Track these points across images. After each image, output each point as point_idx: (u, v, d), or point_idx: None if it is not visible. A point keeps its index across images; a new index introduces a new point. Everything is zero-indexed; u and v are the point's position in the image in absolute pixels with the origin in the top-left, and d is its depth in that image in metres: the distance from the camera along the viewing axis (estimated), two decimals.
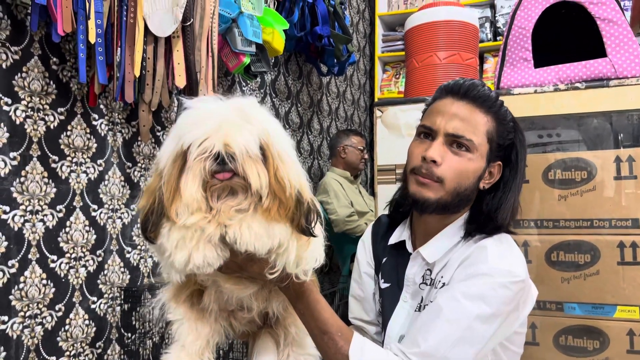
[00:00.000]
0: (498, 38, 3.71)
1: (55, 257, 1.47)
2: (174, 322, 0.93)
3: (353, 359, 0.90)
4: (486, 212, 1.05)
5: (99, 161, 1.61)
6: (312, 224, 0.82)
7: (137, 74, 1.51)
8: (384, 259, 1.18)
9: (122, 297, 1.66)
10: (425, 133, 1.06)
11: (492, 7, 3.76)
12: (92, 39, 1.39)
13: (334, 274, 3.18)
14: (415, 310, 1.07)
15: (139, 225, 0.83)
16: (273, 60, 2.59)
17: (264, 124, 0.81)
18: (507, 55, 1.69)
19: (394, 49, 4.03)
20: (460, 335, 0.91)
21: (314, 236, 0.83)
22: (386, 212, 1.26)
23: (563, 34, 1.70)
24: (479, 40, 2.28)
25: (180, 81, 1.69)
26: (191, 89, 1.77)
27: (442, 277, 1.03)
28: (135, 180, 1.74)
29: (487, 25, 3.73)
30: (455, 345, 0.90)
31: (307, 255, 0.84)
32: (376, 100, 4.00)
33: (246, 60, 2.00)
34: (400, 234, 1.17)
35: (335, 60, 2.84)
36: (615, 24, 1.51)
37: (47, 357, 1.44)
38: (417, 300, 1.08)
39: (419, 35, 2.15)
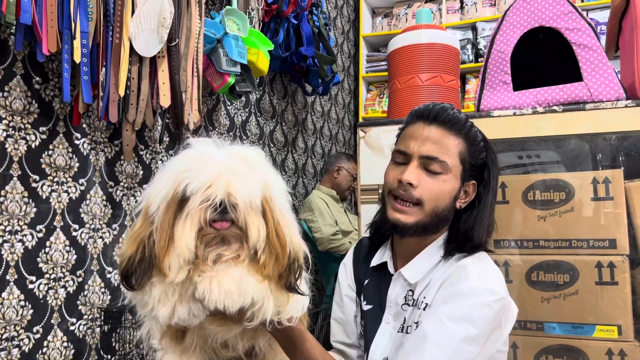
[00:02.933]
0: (479, 59, 3.78)
1: (34, 278, 1.45)
2: (158, 350, 0.91)
3: None
4: (463, 230, 1.07)
5: (80, 180, 1.60)
6: (299, 282, 0.81)
7: (122, 93, 1.51)
8: (366, 281, 1.19)
9: (102, 318, 1.63)
10: (400, 158, 1.08)
11: (474, 29, 3.84)
12: (77, 58, 1.39)
13: (318, 293, 3.17)
14: (398, 332, 1.07)
15: (120, 269, 0.78)
16: (258, 80, 2.61)
17: (267, 176, 0.79)
18: (487, 78, 1.73)
19: (378, 69, 4.09)
20: (448, 358, 0.91)
21: (301, 294, 0.82)
22: (367, 234, 1.27)
23: (541, 58, 1.75)
24: (460, 62, 2.33)
25: (165, 101, 1.70)
26: (176, 109, 1.78)
27: (424, 297, 1.04)
28: (117, 200, 1.73)
29: (469, 46, 3.80)
30: None
31: (289, 307, 0.82)
32: (360, 119, 4.03)
33: (231, 80, 2.01)
34: (381, 256, 1.18)
35: (320, 80, 2.86)
36: (590, 49, 1.56)
37: None
38: (399, 322, 1.08)
39: (401, 57, 2.19)
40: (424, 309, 1.02)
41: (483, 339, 0.95)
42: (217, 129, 2.28)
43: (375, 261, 1.19)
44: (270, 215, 0.78)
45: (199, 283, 0.74)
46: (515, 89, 1.67)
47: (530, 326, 1.58)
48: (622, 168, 1.53)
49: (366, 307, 1.16)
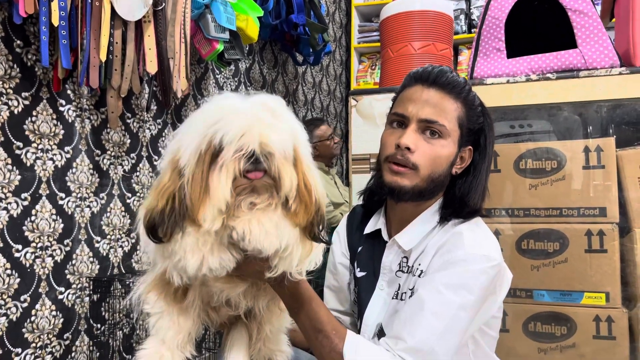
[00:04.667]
0: (472, 30, 3.73)
1: (20, 247, 1.42)
2: (152, 315, 0.88)
3: (347, 357, 0.89)
4: (459, 196, 1.06)
5: (66, 148, 1.56)
6: (322, 231, 0.81)
7: (103, 58, 1.47)
8: (360, 248, 1.18)
9: (91, 287, 1.62)
10: (398, 121, 1.06)
11: None
12: (55, 21, 1.34)
13: None
14: (393, 298, 1.07)
15: (142, 223, 0.77)
16: (247, 48, 2.56)
17: (292, 125, 0.79)
18: (480, 45, 1.70)
19: (370, 40, 4.03)
20: (445, 327, 0.91)
21: (325, 242, 0.82)
22: (361, 202, 1.26)
23: (536, 25, 1.72)
24: (453, 32, 2.29)
25: (152, 67, 1.66)
26: (163, 75, 1.73)
27: (419, 264, 1.03)
28: (105, 169, 1.70)
29: (462, 17, 3.75)
30: (441, 336, 0.91)
31: (308, 259, 0.82)
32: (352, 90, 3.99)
33: (219, 47, 1.97)
34: (375, 223, 1.17)
35: (311, 50, 2.81)
36: (586, 15, 1.53)
37: (12, 348, 1.40)
38: (393, 288, 1.08)
39: (394, 25, 2.15)
40: (419, 276, 1.01)
41: (479, 305, 0.95)
42: (205, 98, 2.24)
43: (369, 228, 1.18)
44: (299, 165, 0.78)
45: (237, 225, 0.73)
46: (509, 56, 1.64)
47: (520, 294, 1.59)
48: (614, 136, 1.53)
49: (360, 274, 1.16)
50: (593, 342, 1.50)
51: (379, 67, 4.07)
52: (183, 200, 0.74)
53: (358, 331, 1.13)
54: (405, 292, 1.04)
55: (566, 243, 1.54)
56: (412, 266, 1.05)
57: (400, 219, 1.10)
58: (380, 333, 1.07)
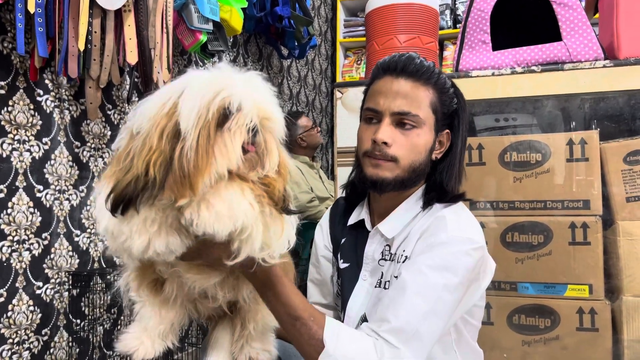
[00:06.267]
0: (458, 25, 3.74)
1: None
2: (137, 302, 0.87)
3: (329, 344, 0.86)
4: (439, 181, 1.05)
5: (44, 139, 1.52)
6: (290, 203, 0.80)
7: (82, 47, 1.43)
8: (343, 240, 1.17)
9: (71, 282, 1.59)
10: (372, 116, 1.05)
11: None
12: (32, 8, 1.31)
13: (293, 257, 3.16)
14: (375, 287, 1.06)
15: (106, 195, 0.70)
16: (232, 40, 2.53)
17: (274, 102, 0.78)
18: (466, 37, 1.70)
19: (356, 35, 4.01)
20: (429, 308, 0.90)
21: (295, 213, 0.80)
22: (343, 194, 1.25)
23: (521, 17, 1.72)
24: (439, 26, 2.28)
25: (132, 57, 1.62)
26: (144, 66, 1.70)
27: (403, 250, 1.02)
28: (84, 161, 1.66)
29: (447, 12, 3.75)
30: (425, 317, 0.89)
31: (280, 240, 0.78)
32: None
33: (203, 38, 1.94)
34: (358, 214, 1.16)
35: (296, 43, 2.79)
36: (570, 8, 1.53)
37: None
38: (376, 277, 1.07)
39: (379, 17, 2.14)
40: (404, 262, 1.00)
41: (463, 287, 0.95)
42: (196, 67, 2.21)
43: (352, 220, 1.17)
44: (278, 140, 0.78)
45: (185, 208, 0.69)
46: (495, 48, 1.64)
47: (504, 286, 1.60)
48: (598, 129, 1.53)
49: (343, 266, 1.15)
50: (576, 334, 1.51)
51: (365, 62, 4.05)
52: (176, 166, 0.68)
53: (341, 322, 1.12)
54: (388, 280, 1.03)
55: (550, 236, 1.54)
56: (396, 253, 1.04)
57: (384, 209, 1.09)
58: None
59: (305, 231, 2.92)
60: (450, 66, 3.67)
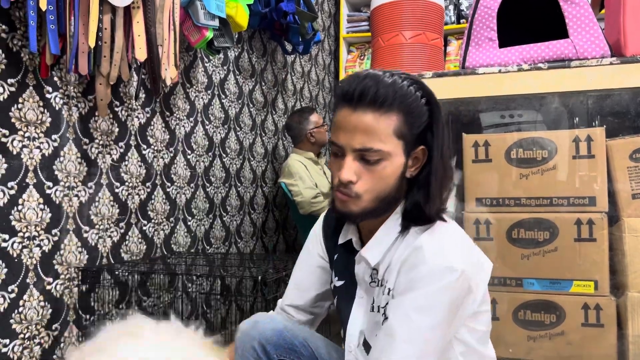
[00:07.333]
0: (462, 21, 3.74)
1: (7, 236, 1.40)
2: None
3: None
4: (414, 202, 0.99)
5: (53, 136, 1.53)
6: None
7: (92, 44, 1.44)
8: (336, 256, 1.16)
9: (80, 277, 1.60)
10: (337, 150, 0.99)
11: None
12: (43, 6, 1.31)
13: (296, 253, 3.18)
14: (370, 311, 1.05)
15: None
16: (237, 36, 2.53)
17: None
18: (472, 34, 1.70)
19: (359, 30, 4.01)
20: (420, 351, 0.90)
21: None
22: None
23: (528, 14, 1.72)
24: (444, 21, 2.28)
25: (141, 54, 1.63)
26: (152, 63, 1.71)
27: (387, 281, 1.01)
28: (93, 157, 1.67)
29: (451, 7, 3.74)
30: (419, 358, 0.90)
31: None
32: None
33: (209, 34, 1.94)
34: (346, 233, 1.14)
35: (300, 39, 2.79)
36: (577, 4, 1.54)
37: (0, 339, 1.38)
38: (370, 299, 1.06)
39: (384, 13, 2.14)
40: (388, 294, 0.99)
41: (451, 318, 0.93)
42: (194, 87, 2.21)
43: (341, 239, 1.15)
44: None
45: None
46: (501, 45, 1.64)
47: (510, 282, 1.61)
48: (604, 126, 1.54)
49: (338, 283, 1.14)
50: (581, 329, 1.53)
51: (368, 57, 4.05)
52: None
53: (343, 340, 1.12)
54: (380, 306, 1.02)
55: (556, 232, 1.55)
56: (382, 279, 1.03)
57: (368, 228, 1.07)
58: (365, 344, 1.04)
59: (310, 227, 2.93)
60: (454, 61, 3.67)
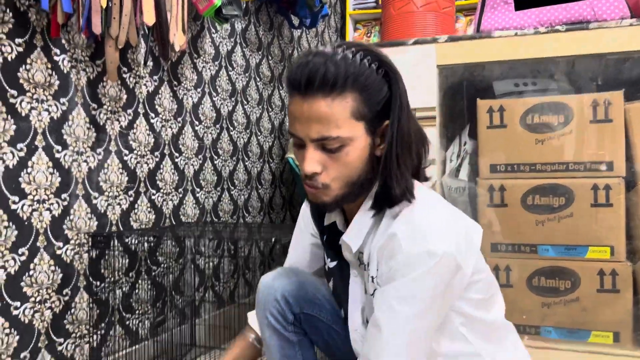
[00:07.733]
0: None
1: (16, 198, 1.38)
2: None
3: None
4: (384, 183, 0.94)
5: (62, 100, 1.51)
6: None
7: (104, 4, 1.41)
8: (325, 237, 1.14)
9: (90, 243, 1.59)
10: (297, 140, 0.94)
11: None
12: None
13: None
14: (364, 293, 1.04)
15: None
16: (244, 7, 2.49)
17: None
18: None
19: (366, 7, 3.96)
20: (407, 340, 0.88)
21: None
22: None
23: None
24: None
25: (149, 18, 1.60)
26: (161, 28, 1.68)
27: (370, 268, 0.99)
28: (101, 123, 1.65)
29: None
30: (407, 348, 0.88)
31: None
32: None
33: (217, 1, 1.90)
34: (330, 216, 1.11)
35: (308, 11, 2.75)
36: None
37: (10, 302, 1.37)
38: (362, 279, 1.04)
39: None
40: (373, 281, 0.97)
41: (438, 302, 0.90)
42: (202, 57, 2.18)
43: (326, 221, 1.12)
44: None
45: None
46: (517, 8, 1.61)
47: (524, 249, 1.59)
48: (623, 90, 1.51)
49: (332, 264, 1.13)
50: (597, 295, 1.51)
51: (375, 35, 4.00)
52: None
53: (345, 322, 1.11)
54: (369, 292, 1.00)
55: (572, 198, 1.54)
56: (367, 264, 1.00)
57: (350, 209, 1.04)
58: (368, 322, 1.03)
59: None
60: None
